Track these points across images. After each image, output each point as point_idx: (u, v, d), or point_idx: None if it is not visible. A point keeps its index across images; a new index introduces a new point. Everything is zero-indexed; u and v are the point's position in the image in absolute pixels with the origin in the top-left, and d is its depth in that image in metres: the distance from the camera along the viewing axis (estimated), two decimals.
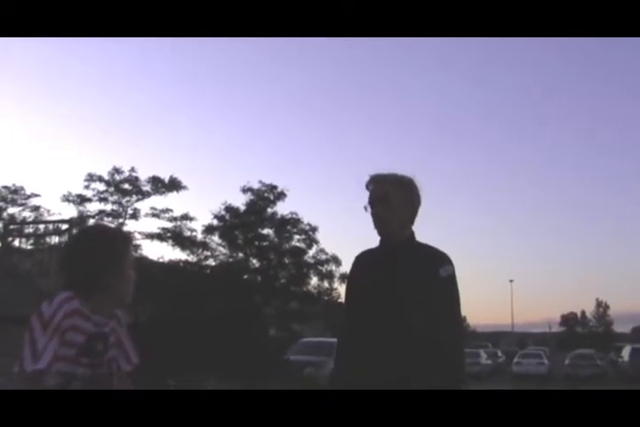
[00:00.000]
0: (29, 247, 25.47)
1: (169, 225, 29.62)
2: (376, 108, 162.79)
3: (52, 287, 2.83)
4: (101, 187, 29.55)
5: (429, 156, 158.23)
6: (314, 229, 29.47)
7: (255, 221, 28.96)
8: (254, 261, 29.21)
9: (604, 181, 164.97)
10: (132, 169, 29.73)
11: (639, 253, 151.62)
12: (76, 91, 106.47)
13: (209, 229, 29.04)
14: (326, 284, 29.17)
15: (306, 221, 29.57)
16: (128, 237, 3.18)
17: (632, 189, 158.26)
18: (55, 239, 25.44)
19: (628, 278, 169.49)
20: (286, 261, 29.19)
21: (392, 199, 3.56)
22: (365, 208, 3.65)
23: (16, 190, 34.32)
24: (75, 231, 19.82)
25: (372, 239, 3.71)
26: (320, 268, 29.08)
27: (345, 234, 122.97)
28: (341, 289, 28.82)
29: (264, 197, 29.28)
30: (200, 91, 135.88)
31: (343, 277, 27.81)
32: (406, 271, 3.47)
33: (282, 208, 29.57)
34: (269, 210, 29.38)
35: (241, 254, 29.11)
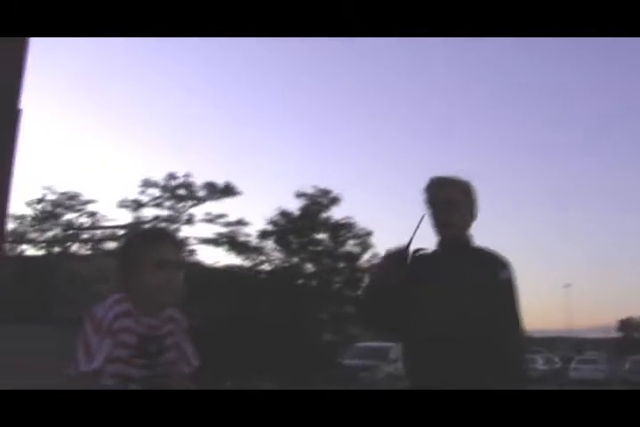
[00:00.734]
0: (87, 253, 25.84)
1: (224, 230, 29.78)
2: (433, 111, 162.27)
3: (111, 292, 2.86)
4: (157, 192, 29.83)
5: (482, 157, 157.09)
6: (368, 234, 29.46)
7: (309, 226, 29.01)
8: (309, 265, 29.27)
9: None
10: (187, 174, 29.96)
11: None
12: (132, 95, 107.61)
13: (263, 234, 29.16)
14: None
15: (360, 226, 29.56)
16: (155, 235, 3.06)
17: None
18: (112, 244, 25.83)
19: None
20: (341, 265, 29.20)
21: (454, 203, 3.55)
22: (425, 211, 3.64)
23: (73, 196, 34.70)
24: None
25: (428, 242, 3.70)
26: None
27: (400, 238, 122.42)
28: None
29: (318, 201, 29.31)
30: (257, 95, 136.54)
31: None
32: (466, 275, 3.45)
33: (336, 213, 29.60)
34: (323, 215, 29.42)
35: (295, 259, 29.18)
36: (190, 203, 30.11)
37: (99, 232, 30.91)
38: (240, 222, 29.86)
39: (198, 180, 30.05)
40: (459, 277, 3.45)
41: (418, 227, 3.57)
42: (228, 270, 27.66)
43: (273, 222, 29.23)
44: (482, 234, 3.70)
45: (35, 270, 22.38)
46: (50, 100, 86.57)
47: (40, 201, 34.25)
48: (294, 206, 29.46)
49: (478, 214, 3.69)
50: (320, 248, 29.28)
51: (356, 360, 21.24)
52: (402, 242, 3.58)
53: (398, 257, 3.59)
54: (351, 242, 29.64)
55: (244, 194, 30.54)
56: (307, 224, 29.02)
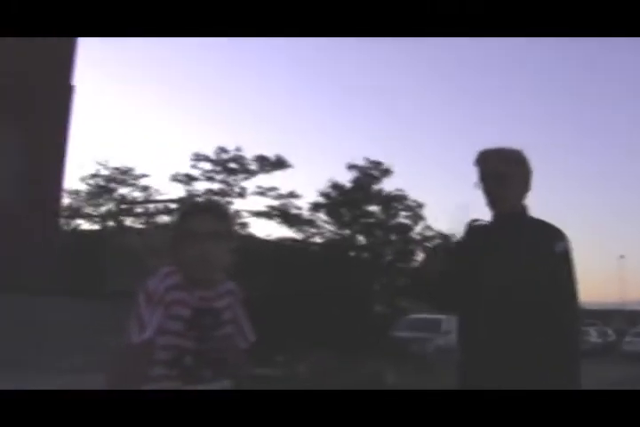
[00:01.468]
0: (140, 226, 26.12)
1: (275, 203, 29.94)
2: (482, 82, 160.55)
3: (162, 265, 2.88)
4: (208, 166, 30.03)
5: (533, 128, 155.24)
6: (420, 206, 29.37)
7: (361, 198, 28.97)
8: (360, 237, 29.28)
9: None
10: (238, 148, 30.09)
11: None
12: (183, 69, 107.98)
13: (315, 207, 29.19)
14: None
15: (412, 198, 29.47)
16: (191, 207, 3.06)
17: None
18: (165, 218, 26.05)
19: None
20: (392, 237, 29.17)
21: (506, 176, 3.51)
22: (476, 185, 3.62)
23: (126, 171, 35.07)
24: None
25: (480, 215, 3.68)
26: (427, 244, 28.99)
27: (451, 210, 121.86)
28: None
29: (369, 173, 29.23)
30: (304, 69, 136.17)
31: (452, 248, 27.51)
32: (522, 247, 3.43)
33: (388, 185, 29.52)
34: (375, 187, 29.34)
35: (347, 231, 29.20)
36: (242, 176, 30.29)
37: (152, 206, 31.22)
38: (292, 195, 30.00)
39: (249, 153, 30.19)
40: (514, 248, 3.44)
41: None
42: (281, 243, 27.80)
43: (324, 195, 29.23)
44: (536, 205, 3.66)
45: (89, 245, 22.69)
46: (102, 76, 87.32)
47: (94, 176, 34.74)
48: (346, 178, 29.43)
49: (532, 185, 3.64)
50: (372, 220, 29.25)
51: (407, 332, 21.26)
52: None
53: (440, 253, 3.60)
54: (403, 214, 29.57)
55: (295, 167, 30.66)
56: (358, 196, 28.97)
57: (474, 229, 3.71)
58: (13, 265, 18.41)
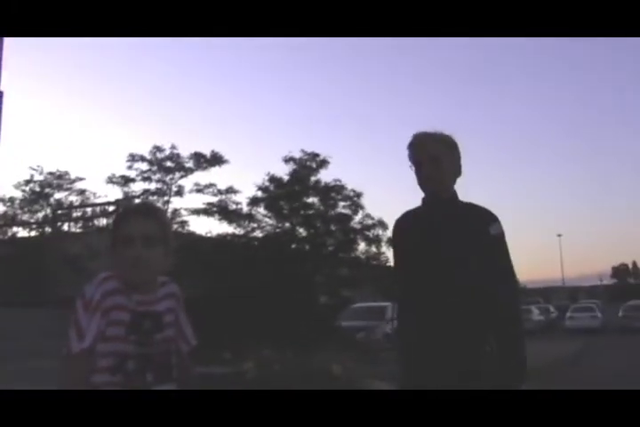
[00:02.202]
0: (78, 231, 25.86)
1: (214, 200, 29.88)
2: (413, 69, 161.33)
3: (102, 269, 2.86)
4: (144, 166, 29.87)
5: (469, 109, 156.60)
6: (358, 195, 29.40)
7: (299, 191, 28.92)
8: (301, 230, 29.24)
9: None
10: (173, 146, 29.96)
11: None
12: (112, 70, 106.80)
13: (254, 201, 29.09)
14: (374, 248, 29.18)
15: (350, 187, 29.53)
16: (123, 211, 3.08)
17: None
18: (102, 221, 25.82)
19: None
20: (333, 228, 29.18)
21: (441, 158, 3.58)
22: (411, 167, 3.67)
23: (61, 175, 34.72)
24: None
25: (417, 200, 3.73)
26: (367, 233, 29.06)
27: (390, 197, 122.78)
28: (389, 253, 28.81)
29: (307, 165, 29.20)
30: (236, 62, 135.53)
31: (391, 241, 27.65)
32: (456, 230, 3.51)
33: (325, 176, 29.54)
34: (313, 178, 29.32)
35: (287, 224, 29.15)
36: (178, 174, 30.18)
37: (89, 210, 30.91)
38: (230, 191, 29.95)
39: (184, 151, 30.07)
40: (445, 233, 3.51)
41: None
42: (221, 239, 27.72)
43: (263, 189, 29.13)
44: (475, 186, 3.72)
45: (27, 252, 22.39)
46: (30, 80, 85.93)
47: (28, 182, 34.29)
48: (283, 171, 29.40)
49: (467, 168, 3.70)
50: (311, 212, 29.22)
51: (352, 321, 21.38)
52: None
53: None
54: (342, 204, 29.62)
55: (231, 162, 30.61)
56: (297, 189, 28.94)
57: (403, 218, 3.77)
58: None
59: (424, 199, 3.67)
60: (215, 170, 30.42)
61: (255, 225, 29.05)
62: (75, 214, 31.41)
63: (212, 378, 9.32)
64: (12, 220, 33.60)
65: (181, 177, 30.30)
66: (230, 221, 28.71)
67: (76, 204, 34.05)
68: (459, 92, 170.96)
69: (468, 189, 3.72)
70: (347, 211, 29.50)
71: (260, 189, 29.12)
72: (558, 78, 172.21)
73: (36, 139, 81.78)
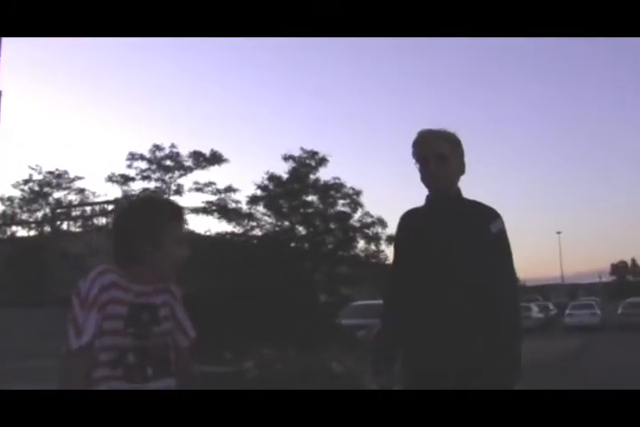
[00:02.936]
0: (78, 230, 25.84)
1: (213, 198, 29.92)
2: (415, 68, 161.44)
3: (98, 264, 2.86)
4: (144, 165, 29.93)
5: (468, 108, 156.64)
6: (357, 193, 29.46)
7: (299, 189, 28.97)
8: (300, 228, 29.31)
9: None
10: (173, 145, 29.99)
11: None
12: (111, 70, 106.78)
13: (253, 200, 29.15)
14: (373, 246, 29.22)
15: (349, 186, 29.55)
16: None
17: None
18: (102, 220, 25.80)
19: None
20: (332, 226, 29.25)
21: (446, 156, 3.57)
22: (415, 165, 3.67)
23: (60, 175, 34.70)
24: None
25: (417, 198, 3.74)
26: (366, 231, 29.14)
27: (389, 195, 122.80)
28: (388, 251, 28.85)
29: (306, 163, 29.23)
30: (235, 60, 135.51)
31: (390, 239, 27.75)
32: (458, 227, 3.51)
33: (324, 174, 29.56)
34: (312, 176, 29.36)
35: (287, 223, 29.22)
36: (177, 173, 30.19)
37: (88, 209, 30.90)
38: (229, 189, 29.94)
39: (184, 150, 30.08)
40: (449, 231, 3.51)
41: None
42: (220, 238, 27.71)
43: (262, 187, 29.18)
44: (475, 184, 3.73)
45: (27, 251, 22.38)
46: (29, 79, 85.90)
47: (27, 181, 34.28)
48: (282, 170, 29.42)
49: (466, 166, 3.71)
50: (310, 210, 29.27)
51: (353, 319, 21.36)
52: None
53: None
54: (341, 202, 29.65)
55: (230, 161, 30.61)
56: (296, 187, 28.96)
57: (407, 215, 3.77)
58: None
59: (428, 197, 3.67)
60: (214, 169, 30.42)
61: (254, 224, 29.15)
62: (74, 213, 31.41)
63: (213, 377, 9.31)
64: (11, 219, 33.60)
65: (181, 176, 30.35)
66: (229, 220, 28.77)
67: (76, 203, 34.02)
68: (459, 90, 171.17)
69: (467, 187, 3.71)
70: (346, 209, 29.59)
71: (259, 187, 29.19)
72: (558, 77, 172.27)
73: (34, 138, 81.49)
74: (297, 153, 29.19)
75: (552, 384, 10.47)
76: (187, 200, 30.10)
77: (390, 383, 3.53)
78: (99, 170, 78.01)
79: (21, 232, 32.23)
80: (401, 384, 3.59)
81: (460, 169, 3.67)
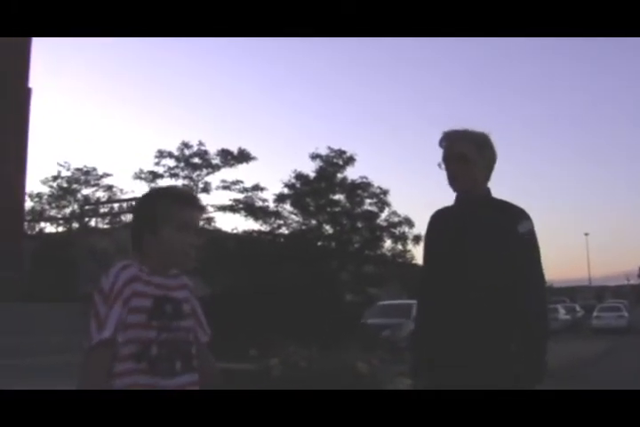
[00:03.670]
0: (105, 226, 25.99)
1: (240, 196, 30.00)
2: (442, 67, 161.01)
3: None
4: (172, 162, 30.06)
5: (497, 109, 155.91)
6: (385, 192, 29.36)
7: (326, 188, 28.92)
8: (327, 227, 29.26)
9: None
10: (201, 143, 30.07)
11: None
12: (139, 68, 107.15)
13: (280, 198, 29.14)
14: (400, 246, 29.13)
15: (376, 185, 29.48)
16: (179, 194, 2.96)
17: None
18: (130, 217, 25.94)
19: None
20: (359, 225, 29.18)
21: (469, 156, 3.55)
22: (439, 165, 3.64)
23: (88, 171, 34.88)
24: None
25: (444, 198, 3.73)
26: (393, 230, 29.04)
27: (416, 195, 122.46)
28: (415, 251, 28.76)
29: (333, 162, 29.18)
30: (264, 59, 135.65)
31: (417, 239, 27.73)
32: (484, 228, 3.49)
33: (351, 173, 29.51)
34: (339, 175, 29.30)
35: (313, 221, 29.18)
36: (205, 171, 30.27)
37: (116, 206, 31.07)
38: (256, 188, 30.01)
39: (212, 147, 30.16)
40: (474, 231, 3.50)
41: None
42: (247, 236, 27.78)
43: (289, 186, 29.16)
44: (503, 184, 3.71)
45: (56, 248, 22.51)
46: (58, 76, 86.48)
47: (56, 178, 34.49)
48: (310, 168, 29.41)
49: (495, 166, 3.69)
50: (337, 209, 29.22)
51: (378, 319, 21.34)
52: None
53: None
54: (368, 201, 29.58)
55: (258, 159, 30.65)
56: (323, 186, 28.94)
57: (437, 215, 3.76)
58: None
59: (457, 196, 3.66)
60: (242, 167, 30.48)
61: (281, 222, 29.12)
62: (102, 210, 31.62)
63: (238, 375, 9.33)
64: (39, 215, 33.83)
65: (208, 174, 30.46)
66: (256, 218, 28.79)
67: (104, 200, 34.23)
68: (490, 91, 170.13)
69: (495, 187, 3.70)
70: (373, 208, 29.49)
71: (286, 185, 29.17)
72: (590, 78, 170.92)
73: (63, 135, 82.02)
74: (324, 152, 29.17)
75: (577, 385, 10.40)
76: (214, 198, 30.24)
77: (430, 387, 3.51)
78: (127, 167, 78.34)
79: (50, 228, 32.54)
80: (426, 383, 3.58)
81: (489, 171, 3.65)
